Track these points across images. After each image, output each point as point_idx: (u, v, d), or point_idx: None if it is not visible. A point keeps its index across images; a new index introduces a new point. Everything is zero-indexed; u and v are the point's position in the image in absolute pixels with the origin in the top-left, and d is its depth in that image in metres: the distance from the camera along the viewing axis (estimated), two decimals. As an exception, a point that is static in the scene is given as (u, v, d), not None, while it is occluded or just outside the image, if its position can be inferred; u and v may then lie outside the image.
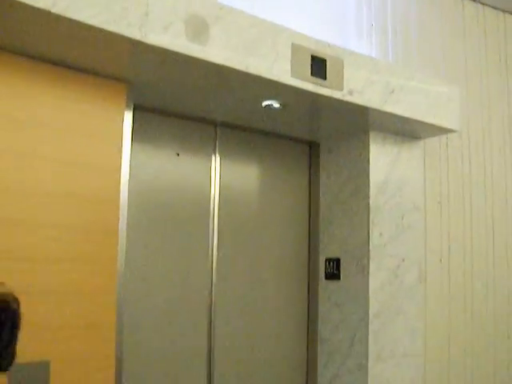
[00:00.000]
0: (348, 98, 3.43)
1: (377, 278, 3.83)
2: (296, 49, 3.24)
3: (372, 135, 3.91)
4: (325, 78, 3.35)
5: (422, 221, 4.13)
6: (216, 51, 2.93)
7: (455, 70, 4.68)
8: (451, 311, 4.46)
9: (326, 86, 3.35)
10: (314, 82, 3.29)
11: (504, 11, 5.03)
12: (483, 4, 4.91)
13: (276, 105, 3.51)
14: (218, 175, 3.89)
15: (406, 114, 3.71)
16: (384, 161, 3.94)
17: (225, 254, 3.87)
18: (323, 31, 3.91)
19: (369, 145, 3.89)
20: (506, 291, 4.83)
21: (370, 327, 3.79)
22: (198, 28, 2.90)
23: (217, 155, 3.90)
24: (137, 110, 3.39)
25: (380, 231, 3.87)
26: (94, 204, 3.03)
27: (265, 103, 3.50)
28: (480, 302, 4.65)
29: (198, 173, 3.84)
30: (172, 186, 3.74)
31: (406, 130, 3.97)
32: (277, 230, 4.13)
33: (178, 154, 3.75)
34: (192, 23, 2.88)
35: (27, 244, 2.79)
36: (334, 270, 3.99)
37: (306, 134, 4.19)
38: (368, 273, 3.81)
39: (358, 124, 3.87)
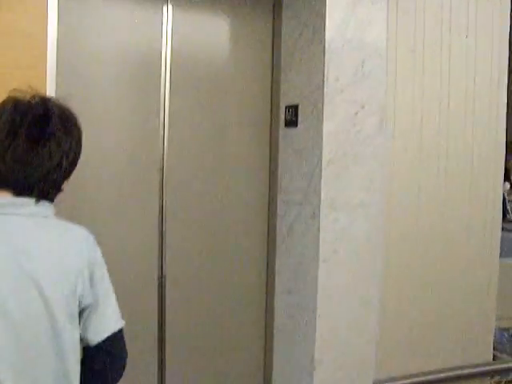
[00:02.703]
0: None
1: (332, 125, 3.72)
2: None
3: (330, -26, 3.73)
4: None
5: (386, 67, 3.94)
6: None
7: None
8: (422, 168, 4.33)
9: None
10: None
11: None
12: None
13: None
14: (170, 24, 3.75)
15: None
16: (343, 2, 3.75)
17: (178, 108, 3.79)
18: None
19: (326, -16, 3.72)
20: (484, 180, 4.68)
21: (324, 175, 3.72)
22: None
23: (169, 3, 3.75)
24: None
25: (337, 75, 3.73)
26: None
27: None
28: (452, 162, 4.49)
29: (148, 22, 3.71)
30: (118, 34, 3.63)
31: (366, -30, 3.76)
32: (237, 79, 4.01)
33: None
34: None
35: None
36: (292, 117, 3.91)
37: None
38: (322, 119, 3.70)
39: (316, -38, 3.68)
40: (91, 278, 1.92)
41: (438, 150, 4.39)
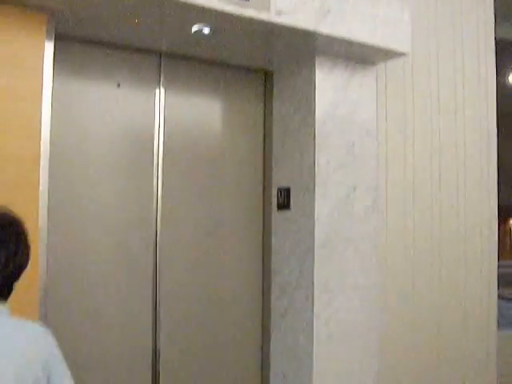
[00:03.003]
0: (276, 19, 3.32)
1: (324, 207, 3.75)
2: (214, -31, 3.15)
3: (319, 60, 3.78)
4: (248, -1, 3.26)
5: (376, 149, 3.99)
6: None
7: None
8: (415, 242, 4.33)
9: (250, 7, 3.25)
10: (235, 3, 3.19)
11: None
12: None
13: (206, 30, 3.43)
14: (162, 109, 3.82)
15: (347, 36, 3.58)
16: (332, 86, 3.82)
17: (171, 194, 3.82)
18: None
19: (315, 70, 3.78)
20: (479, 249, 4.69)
21: (316, 257, 3.72)
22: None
23: (161, 88, 3.82)
24: (70, 40, 3.45)
25: (327, 158, 3.77)
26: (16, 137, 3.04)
27: (194, 28, 3.42)
28: (446, 239, 4.49)
29: (140, 107, 3.77)
30: (111, 121, 3.68)
31: (355, 55, 3.83)
32: (230, 161, 4.07)
33: (119, 85, 3.71)
34: None
35: None
36: (284, 200, 3.93)
37: (258, 62, 4.07)
38: (314, 201, 3.72)
39: (304, 48, 3.74)
40: (49, 373, 1.95)
41: (432, 229, 4.40)
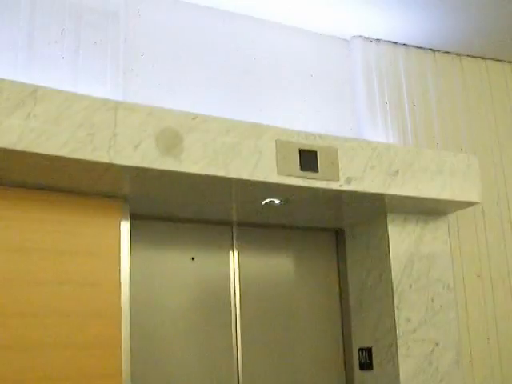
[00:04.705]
0: (346, 187, 3.36)
1: (408, 366, 3.65)
2: (281, 145, 3.21)
3: (390, 217, 3.80)
4: (317, 171, 3.30)
5: (455, 300, 3.91)
6: (191, 161, 2.95)
7: (479, 139, 4.52)
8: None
9: (319, 179, 3.29)
10: (304, 177, 3.25)
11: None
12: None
13: (276, 201, 3.49)
14: (237, 270, 3.89)
15: (417, 194, 3.59)
16: (406, 242, 3.81)
17: (250, 349, 3.82)
18: (332, 121, 3.98)
19: (387, 227, 3.79)
20: None
21: (406, 419, 3.61)
22: (171, 141, 2.93)
23: (235, 250, 3.91)
24: (144, 220, 3.55)
25: (407, 316, 3.71)
26: (96, 320, 3.08)
27: (265, 201, 3.49)
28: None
29: (215, 271, 3.86)
30: (188, 285, 3.76)
31: (426, 208, 3.83)
32: (307, 320, 4.05)
33: (193, 259, 3.78)
34: (163, 138, 2.92)
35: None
36: (366, 360, 3.86)
37: (328, 223, 4.13)
38: (397, 361, 3.64)
39: (374, 208, 3.77)
40: None
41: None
